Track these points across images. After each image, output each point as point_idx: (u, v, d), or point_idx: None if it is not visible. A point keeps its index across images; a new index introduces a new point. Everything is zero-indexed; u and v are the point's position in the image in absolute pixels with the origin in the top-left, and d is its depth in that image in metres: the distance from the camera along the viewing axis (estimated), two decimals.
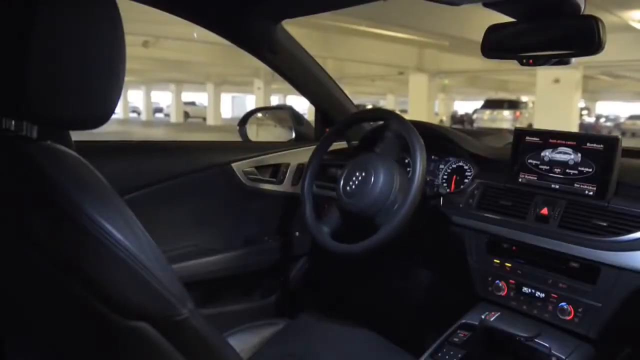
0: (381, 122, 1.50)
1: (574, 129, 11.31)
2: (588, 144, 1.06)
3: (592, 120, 21.05)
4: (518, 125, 15.57)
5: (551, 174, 1.11)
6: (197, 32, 1.38)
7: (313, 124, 1.71)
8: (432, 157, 1.38)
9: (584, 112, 17.61)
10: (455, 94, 28.94)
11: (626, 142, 1.06)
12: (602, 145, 1.04)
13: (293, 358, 1.11)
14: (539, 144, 1.14)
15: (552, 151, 1.11)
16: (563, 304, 1.04)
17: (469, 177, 1.31)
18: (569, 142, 1.09)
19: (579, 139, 1.08)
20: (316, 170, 1.33)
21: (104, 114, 0.57)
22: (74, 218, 0.50)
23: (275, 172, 1.54)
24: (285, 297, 1.62)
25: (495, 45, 1.05)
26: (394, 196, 1.13)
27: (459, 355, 1.05)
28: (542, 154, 1.13)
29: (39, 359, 0.62)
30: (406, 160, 1.44)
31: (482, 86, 22.44)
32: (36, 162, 0.53)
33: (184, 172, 1.37)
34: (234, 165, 1.45)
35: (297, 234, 1.59)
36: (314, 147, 1.37)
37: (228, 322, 1.24)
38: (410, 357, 1.10)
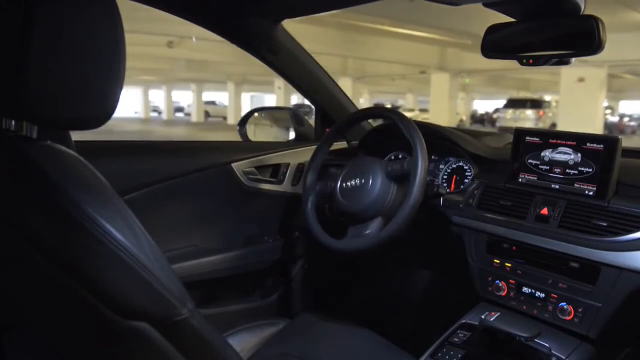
0: (381, 122, 1.50)
1: (599, 128, 11.26)
2: (588, 144, 1.06)
3: (615, 119, 20.71)
4: (541, 125, 15.55)
5: (551, 174, 1.11)
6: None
7: None
8: (432, 157, 1.38)
9: (607, 111, 17.49)
10: (475, 93, 28.69)
11: None
12: (602, 145, 1.04)
13: (293, 358, 1.11)
14: (539, 144, 1.14)
15: (552, 151, 1.11)
16: (563, 304, 1.04)
17: (469, 177, 1.31)
18: (569, 142, 1.09)
19: (579, 139, 1.08)
20: (317, 170, 1.33)
21: (104, 114, 0.57)
22: (74, 218, 0.50)
23: (275, 172, 1.54)
24: (285, 297, 1.62)
25: (495, 45, 1.05)
26: (389, 203, 1.14)
27: (459, 355, 1.05)
28: (542, 154, 1.13)
29: (39, 359, 0.62)
30: (405, 165, 1.44)
31: (503, 85, 22.28)
32: (36, 162, 0.53)
33: (184, 172, 1.37)
34: (234, 165, 1.45)
35: (297, 234, 1.59)
36: (314, 147, 1.37)
37: (228, 322, 1.24)
38: (410, 357, 1.10)
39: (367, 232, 1.15)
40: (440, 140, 1.35)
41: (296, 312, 1.56)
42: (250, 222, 1.52)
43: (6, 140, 0.56)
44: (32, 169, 0.53)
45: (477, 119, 23.53)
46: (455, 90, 15.64)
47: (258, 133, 1.73)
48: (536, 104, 16.97)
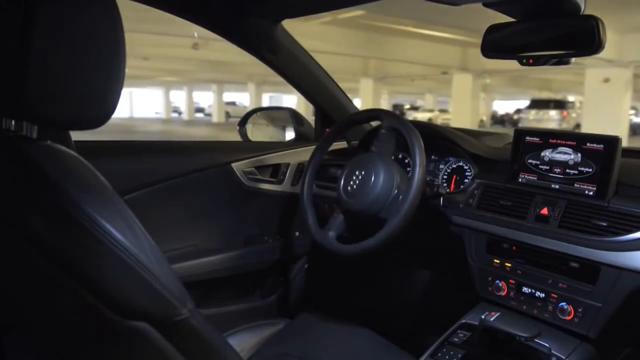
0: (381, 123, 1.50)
1: (624, 129, 11.16)
2: (588, 144, 1.06)
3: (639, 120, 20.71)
4: (565, 126, 15.44)
5: (551, 174, 1.11)
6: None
7: None
8: (432, 157, 1.38)
9: (632, 111, 17.41)
10: (495, 94, 28.36)
11: None
12: (602, 145, 1.04)
13: (293, 358, 1.11)
14: (539, 144, 1.14)
15: (552, 151, 1.11)
16: (563, 304, 1.04)
17: (469, 177, 1.31)
18: (569, 142, 1.09)
19: (579, 139, 1.08)
20: (316, 171, 1.33)
21: (104, 114, 0.57)
22: (74, 218, 0.50)
23: (275, 172, 1.54)
24: (285, 297, 1.62)
25: (495, 45, 1.05)
26: (395, 193, 1.13)
27: (459, 355, 1.05)
28: (542, 154, 1.13)
29: (38, 359, 0.62)
30: (406, 160, 1.44)
31: (524, 85, 22.06)
32: (36, 162, 0.53)
33: (184, 172, 1.37)
34: (234, 165, 1.45)
35: (297, 234, 1.59)
36: (314, 147, 1.37)
37: (228, 322, 1.24)
38: (410, 357, 1.10)
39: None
40: (440, 140, 1.35)
41: (296, 312, 1.56)
42: (250, 222, 1.52)
43: (6, 140, 0.56)
44: (32, 169, 0.53)
45: (497, 119, 23.15)
46: (478, 91, 15.46)
47: (258, 133, 1.74)
48: (560, 105, 16.85)
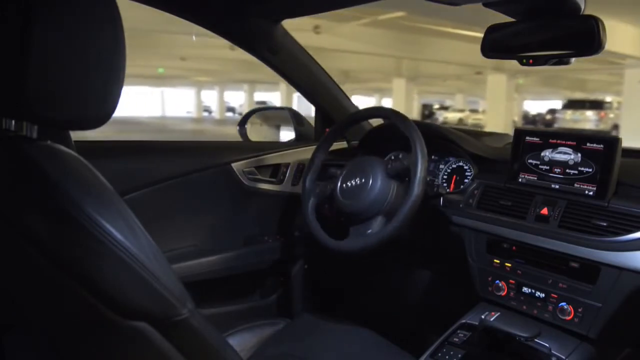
0: (381, 122, 1.50)
1: None
2: (588, 144, 1.06)
3: None
4: (602, 127, 15.33)
5: (551, 174, 1.11)
6: None
7: None
8: (432, 157, 1.38)
9: None
10: (526, 94, 27.88)
11: None
12: (602, 145, 1.04)
13: (293, 358, 1.11)
14: (539, 144, 1.14)
15: (552, 151, 1.11)
16: (563, 304, 1.04)
17: (469, 177, 1.31)
18: (569, 142, 1.09)
19: (579, 139, 1.08)
20: (317, 170, 1.33)
21: (103, 114, 0.57)
22: (74, 218, 0.50)
23: (275, 172, 1.54)
24: (285, 297, 1.62)
25: (495, 45, 1.05)
26: (389, 202, 1.14)
27: (459, 355, 1.05)
28: (542, 154, 1.13)
29: (38, 359, 0.62)
30: (405, 162, 1.44)
31: (557, 85, 21.83)
32: (36, 162, 0.53)
33: (183, 172, 1.37)
34: (233, 165, 1.45)
35: (297, 234, 1.59)
36: (314, 147, 1.37)
37: (228, 322, 1.24)
38: (410, 357, 1.10)
39: (368, 231, 1.15)
40: (440, 140, 1.35)
41: (296, 312, 1.56)
42: (250, 222, 1.52)
43: (6, 140, 0.56)
44: (32, 169, 0.53)
45: (529, 120, 22.56)
46: (512, 91, 15.33)
47: (258, 133, 1.74)
48: (597, 105, 16.54)
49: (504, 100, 14.54)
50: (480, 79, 15.43)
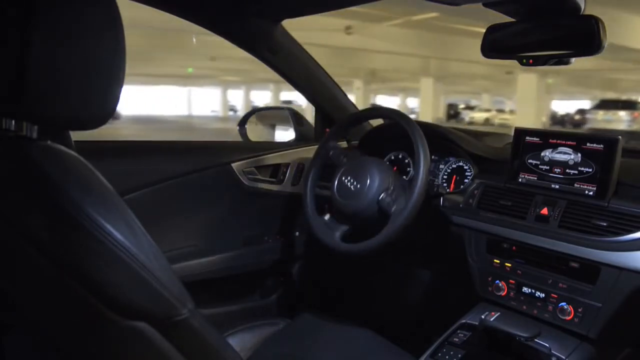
0: (381, 122, 1.50)
1: None
2: (588, 144, 1.06)
3: None
4: (636, 127, 15.19)
5: (551, 174, 1.11)
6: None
7: None
8: (432, 157, 1.38)
9: None
10: (555, 94, 27.03)
11: None
12: (602, 145, 1.04)
13: (293, 358, 1.11)
14: (539, 144, 1.14)
15: (552, 151, 1.11)
16: (563, 304, 1.04)
17: (469, 177, 1.31)
18: (569, 142, 1.09)
19: (579, 139, 1.08)
20: (318, 170, 1.33)
21: (104, 114, 0.57)
22: (74, 218, 0.50)
23: (275, 172, 1.54)
24: (285, 297, 1.62)
25: (495, 45, 1.05)
26: (388, 199, 1.14)
27: (459, 355, 1.05)
28: (542, 154, 1.13)
29: (39, 359, 0.62)
30: (406, 160, 1.44)
31: (587, 85, 21.51)
32: (36, 162, 0.53)
33: (184, 172, 1.37)
34: (234, 165, 1.45)
35: (297, 234, 1.59)
36: (314, 147, 1.37)
37: (228, 322, 1.24)
38: (410, 357, 1.10)
39: (370, 232, 1.14)
40: (440, 140, 1.35)
41: (296, 312, 1.56)
42: (250, 222, 1.52)
43: (6, 140, 0.56)
44: (32, 169, 0.53)
45: (557, 120, 21.43)
46: (543, 91, 15.18)
47: (258, 133, 1.73)
48: (630, 105, 16.08)
49: (534, 100, 14.38)
50: (509, 78, 15.29)
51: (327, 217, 1.26)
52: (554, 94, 27.20)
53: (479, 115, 21.65)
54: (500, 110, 22.31)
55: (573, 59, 0.98)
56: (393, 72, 18.41)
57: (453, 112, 23.52)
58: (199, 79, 23.78)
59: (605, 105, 16.57)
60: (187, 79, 24.81)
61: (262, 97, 30.91)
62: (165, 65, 16.63)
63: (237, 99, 30.69)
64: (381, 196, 1.15)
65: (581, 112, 19.12)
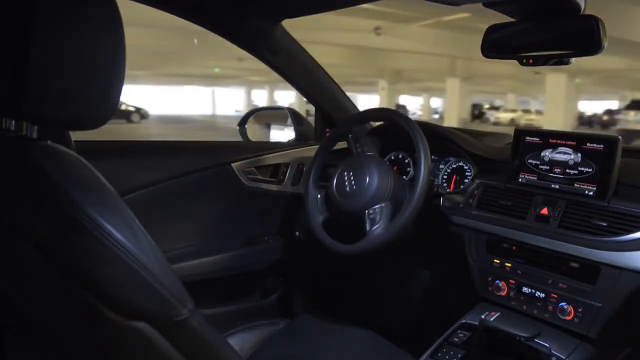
0: (381, 122, 1.50)
1: None
2: (588, 144, 1.06)
3: None
4: None
5: (551, 174, 1.11)
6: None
7: None
8: (432, 157, 1.38)
9: None
10: (582, 94, 26.10)
11: None
12: (602, 145, 1.04)
13: (293, 358, 1.11)
14: (539, 144, 1.14)
15: (552, 151, 1.11)
16: (563, 304, 1.04)
17: (469, 177, 1.31)
18: (569, 142, 1.09)
19: (579, 139, 1.08)
20: (319, 170, 1.32)
21: (103, 114, 0.57)
22: (74, 218, 0.50)
23: (275, 172, 1.54)
24: (285, 297, 1.62)
25: (495, 45, 1.05)
26: (387, 199, 1.14)
27: (459, 355, 1.05)
28: (542, 154, 1.13)
29: (39, 359, 0.62)
30: (406, 160, 1.44)
31: (616, 85, 21.00)
32: (36, 162, 0.53)
33: (183, 172, 1.37)
34: (234, 165, 1.45)
35: (297, 234, 1.59)
36: (314, 147, 1.37)
37: (228, 322, 1.24)
38: (410, 357, 1.10)
39: (370, 232, 1.14)
40: (440, 140, 1.35)
41: (296, 312, 1.56)
42: (250, 222, 1.52)
43: (6, 140, 0.56)
44: (32, 169, 0.53)
45: (584, 121, 20.61)
46: (572, 92, 14.86)
47: (258, 133, 1.74)
48: None
49: (562, 101, 14.12)
50: (536, 78, 15.04)
51: (328, 217, 1.26)
52: (581, 94, 26.96)
53: (504, 116, 21.40)
54: (527, 111, 21.95)
55: (573, 59, 0.98)
56: (418, 72, 18.28)
57: (477, 112, 23.21)
58: (224, 79, 23.80)
59: (636, 105, 16.37)
60: (212, 79, 24.84)
61: (286, 98, 31.12)
62: (194, 66, 16.59)
63: (261, 99, 30.68)
64: (379, 197, 1.14)
65: (609, 112, 18.71)
